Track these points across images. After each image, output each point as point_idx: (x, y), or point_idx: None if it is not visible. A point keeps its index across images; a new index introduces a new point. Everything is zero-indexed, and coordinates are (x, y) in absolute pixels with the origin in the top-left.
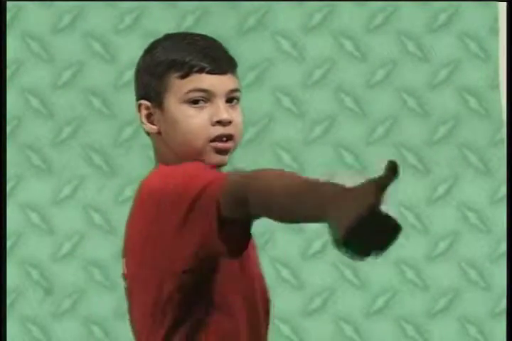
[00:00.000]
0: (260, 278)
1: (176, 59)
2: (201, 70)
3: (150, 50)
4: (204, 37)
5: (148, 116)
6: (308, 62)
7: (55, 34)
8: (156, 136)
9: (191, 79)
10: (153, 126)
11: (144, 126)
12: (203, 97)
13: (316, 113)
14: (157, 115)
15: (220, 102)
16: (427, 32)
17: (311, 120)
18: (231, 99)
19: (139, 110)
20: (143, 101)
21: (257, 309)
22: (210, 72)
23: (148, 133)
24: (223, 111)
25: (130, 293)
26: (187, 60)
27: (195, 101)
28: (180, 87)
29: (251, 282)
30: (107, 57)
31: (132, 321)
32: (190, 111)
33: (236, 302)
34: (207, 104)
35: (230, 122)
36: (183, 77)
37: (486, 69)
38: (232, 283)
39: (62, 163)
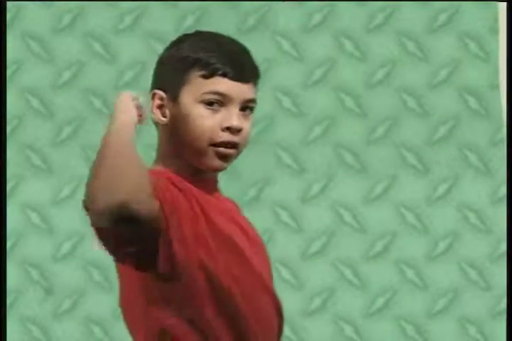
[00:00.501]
0: (266, 285)
1: (202, 58)
2: (224, 74)
3: (177, 44)
4: (234, 42)
5: (160, 107)
6: (308, 62)
7: (55, 34)
8: (163, 129)
9: (213, 81)
10: (163, 118)
11: (153, 116)
12: (218, 100)
13: (316, 113)
14: (169, 108)
15: (234, 109)
16: (427, 32)
17: (311, 120)
18: (245, 108)
19: (152, 99)
20: (158, 91)
21: (248, 317)
22: (232, 78)
23: (155, 125)
24: (235, 118)
25: (120, 291)
26: (213, 61)
27: (210, 103)
28: (199, 86)
29: (234, 291)
30: (107, 57)
31: (124, 318)
32: (203, 111)
33: (211, 313)
34: (221, 108)
35: (239, 130)
36: (206, 77)
37: (486, 69)
38: (200, 294)
39: (62, 163)
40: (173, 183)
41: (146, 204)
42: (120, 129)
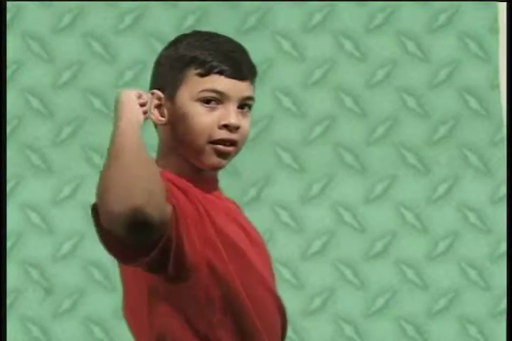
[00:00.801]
0: (268, 286)
1: (199, 56)
2: (221, 72)
3: (175, 43)
4: (231, 40)
5: (158, 107)
6: (308, 62)
7: (55, 34)
8: (162, 129)
9: (209, 79)
10: (161, 118)
11: (152, 115)
12: (215, 98)
13: (316, 113)
14: (167, 107)
15: (232, 106)
16: (427, 32)
17: (311, 120)
18: (243, 106)
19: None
20: (155, 91)
21: (253, 317)
22: (229, 76)
23: (154, 125)
24: (233, 116)
25: (123, 290)
26: (209, 59)
27: (207, 101)
28: (196, 84)
29: (238, 294)
30: (107, 57)
31: (126, 319)
32: (200, 109)
33: (216, 306)
34: (218, 106)
35: (237, 128)
36: (202, 75)
37: (486, 69)
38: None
39: (62, 163)
40: (175, 185)
41: (160, 208)
42: (127, 129)
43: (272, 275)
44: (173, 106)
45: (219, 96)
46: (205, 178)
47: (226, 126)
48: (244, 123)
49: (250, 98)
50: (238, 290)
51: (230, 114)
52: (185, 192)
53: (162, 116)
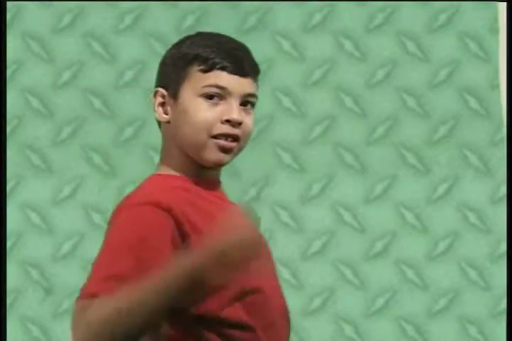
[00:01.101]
0: (271, 289)
1: (201, 53)
2: (223, 68)
3: (178, 44)
4: (233, 40)
5: (162, 105)
6: (308, 62)
7: (55, 34)
8: (165, 127)
9: (212, 74)
10: (165, 116)
11: (156, 113)
12: (218, 94)
13: (316, 113)
14: (171, 104)
15: (234, 102)
16: (427, 32)
17: (311, 120)
18: (246, 103)
19: (154, 97)
20: (159, 89)
21: (257, 326)
22: (231, 72)
23: (159, 124)
24: (235, 111)
25: None
26: (212, 56)
27: (210, 97)
28: (199, 80)
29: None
30: (107, 57)
31: None
32: (203, 104)
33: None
34: (221, 102)
35: (239, 123)
36: (205, 71)
37: (486, 69)
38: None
39: (62, 163)
40: (161, 208)
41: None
42: (181, 282)
43: (276, 275)
44: (177, 103)
45: (222, 92)
46: (207, 178)
47: (228, 121)
48: (247, 120)
49: (253, 95)
50: (239, 299)
51: (233, 109)
52: (173, 214)
53: (165, 113)
